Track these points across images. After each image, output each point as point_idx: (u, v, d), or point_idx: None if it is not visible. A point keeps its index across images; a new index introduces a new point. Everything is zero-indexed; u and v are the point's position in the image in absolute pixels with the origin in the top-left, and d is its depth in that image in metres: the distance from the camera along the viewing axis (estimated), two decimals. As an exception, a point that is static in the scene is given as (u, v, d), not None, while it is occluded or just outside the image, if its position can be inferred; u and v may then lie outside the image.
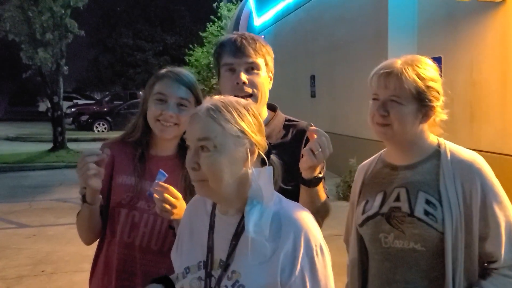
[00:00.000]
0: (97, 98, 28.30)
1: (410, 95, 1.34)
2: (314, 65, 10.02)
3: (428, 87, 1.36)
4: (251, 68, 1.57)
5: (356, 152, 6.51)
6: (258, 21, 14.21)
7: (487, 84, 5.41)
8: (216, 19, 20.61)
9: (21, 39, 11.53)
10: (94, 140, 15.87)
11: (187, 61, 21.18)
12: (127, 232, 1.62)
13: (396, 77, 1.35)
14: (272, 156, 1.27)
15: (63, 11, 11.36)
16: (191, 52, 21.10)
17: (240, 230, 1.14)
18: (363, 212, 1.47)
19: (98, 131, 19.60)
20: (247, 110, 1.17)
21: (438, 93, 1.39)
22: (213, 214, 1.23)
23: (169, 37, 29.11)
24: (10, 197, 7.85)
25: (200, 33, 20.99)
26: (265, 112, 1.67)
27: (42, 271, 4.54)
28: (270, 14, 12.97)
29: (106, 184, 1.63)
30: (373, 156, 1.59)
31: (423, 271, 1.34)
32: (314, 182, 1.42)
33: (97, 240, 1.69)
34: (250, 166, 1.14)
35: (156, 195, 1.42)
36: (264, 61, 1.61)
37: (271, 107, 1.72)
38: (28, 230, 5.95)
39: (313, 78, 10.11)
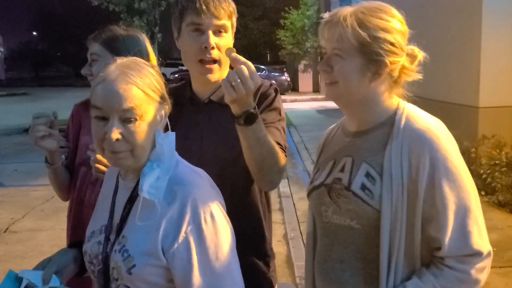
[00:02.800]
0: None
1: (351, 47, 1.13)
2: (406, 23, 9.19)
3: (375, 37, 1.13)
4: (219, 30, 1.45)
5: (445, 119, 5.86)
6: (352, -21, 13.45)
7: None
8: (313, -21, 19.89)
9: (120, 9, 12.30)
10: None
11: (283, 24, 20.87)
12: (84, 190, 1.67)
13: (336, 26, 1.14)
14: None
15: (156, -22, 11.83)
16: (286, 15, 20.72)
17: (135, 194, 1.10)
18: (311, 182, 1.32)
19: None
20: (156, 72, 1.11)
21: (395, 46, 1.15)
22: (117, 178, 1.20)
23: (268, 0, 28.86)
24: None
25: (296, -5, 20.47)
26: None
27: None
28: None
29: (74, 144, 1.69)
30: (339, 120, 1.41)
31: (359, 251, 1.17)
32: (244, 118, 1.22)
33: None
34: (158, 129, 1.10)
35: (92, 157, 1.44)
36: (231, 22, 1.48)
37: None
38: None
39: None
